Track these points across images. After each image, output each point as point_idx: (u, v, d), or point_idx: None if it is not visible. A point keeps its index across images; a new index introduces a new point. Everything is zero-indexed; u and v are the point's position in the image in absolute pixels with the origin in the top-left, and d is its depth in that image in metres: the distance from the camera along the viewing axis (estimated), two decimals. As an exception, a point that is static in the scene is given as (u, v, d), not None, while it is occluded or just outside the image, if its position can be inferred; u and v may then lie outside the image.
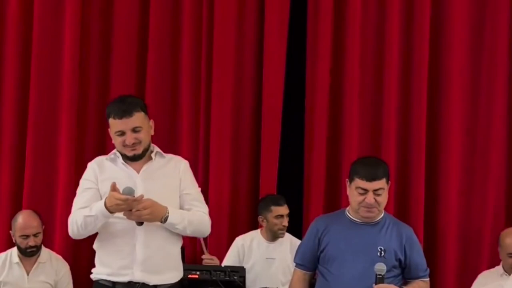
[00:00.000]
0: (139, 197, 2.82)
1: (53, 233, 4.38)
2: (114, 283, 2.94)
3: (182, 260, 3.13)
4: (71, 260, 4.30)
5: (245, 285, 3.69)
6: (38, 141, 4.50)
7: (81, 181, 3.06)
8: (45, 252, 4.15)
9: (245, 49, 4.59)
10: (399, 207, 4.42)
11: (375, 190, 2.99)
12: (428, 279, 3.16)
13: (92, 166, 3.07)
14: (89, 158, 4.43)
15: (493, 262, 4.12)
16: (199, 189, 3.14)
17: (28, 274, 4.06)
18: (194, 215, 3.01)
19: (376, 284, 2.89)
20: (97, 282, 3.00)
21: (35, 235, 4.03)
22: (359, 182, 3.00)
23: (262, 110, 4.54)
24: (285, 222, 4.17)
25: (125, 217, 2.87)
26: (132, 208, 2.81)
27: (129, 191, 2.82)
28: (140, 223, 2.87)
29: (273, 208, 4.20)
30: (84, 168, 4.43)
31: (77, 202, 3.01)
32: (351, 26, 4.49)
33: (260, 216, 4.28)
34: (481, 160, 4.46)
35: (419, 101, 4.46)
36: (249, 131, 4.61)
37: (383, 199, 3.03)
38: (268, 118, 4.52)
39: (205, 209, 3.08)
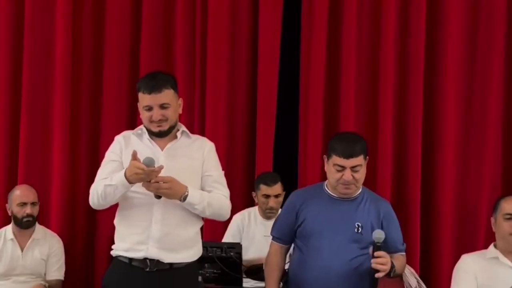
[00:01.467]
0: (159, 167, 2.81)
1: (49, 211, 4.38)
2: (130, 259, 2.94)
3: None
4: (67, 238, 4.31)
5: (242, 261, 3.68)
6: (32, 118, 4.49)
7: (107, 153, 3.07)
8: (40, 229, 4.16)
9: (240, 30, 4.56)
10: (396, 186, 4.43)
11: (352, 167, 2.98)
12: (404, 253, 3.17)
13: (118, 140, 3.07)
14: (83, 136, 4.53)
15: (489, 236, 4.14)
16: (223, 172, 3.12)
17: (22, 251, 4.06)
18: (214, 198, 2.99)
19: (374, 251, 2.89)
20: (116, 258, 3.00)
21: (32, 204, 4.07)
22: (336, 159, 2.99)
23: (257, 89, 4.52)
24: (271, 202, 4.15)
25: (144, 192, 2.87)
26: (151, 179, 2.80)
27: (149, 162, 2.80)
28: (158, 197, 2.85)
29: (262, 186, 4.20)
30: (78, 145, 4.51)
31: (100, 173, 3.01)
32: (347, 10, 4.46)
33: (253, 192, 4.30)
34: (477, 134, 4.45)
35: (416, 75, 4.44)
36: (244, 110, 4.59)
37: (361, 175, 3.02)
38: (263, 96, 4.50)
39: (226, 192, 3.07)
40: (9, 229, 4.11)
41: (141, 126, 3.06)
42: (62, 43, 4.45)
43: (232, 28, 4.54)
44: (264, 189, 4.18)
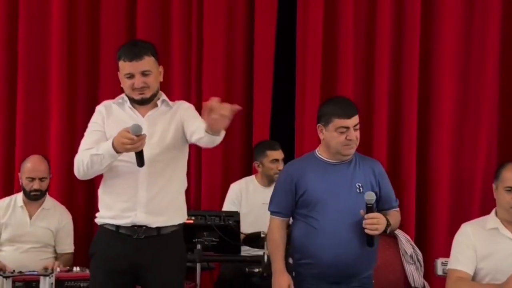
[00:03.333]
0: (143, 135, 2.78)
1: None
2: (117, 226, 2.95)
3: None
4: (66, 207, 4.31)
5: (240, 230, 3.72)
6: (29, 87, 4.50)
7: (89, 124, 3.06)
8: (49, 200, 4.18)
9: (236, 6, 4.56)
10: (392, 152, 4.47)
11: (354, 126, 3.04)
12: (398, 209, 3.22)
13: (100, 110, 3.06)
14: (80, 103, 4.53)
15: (485, 203, 4.19)
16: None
17: (30, 218, 4.08)
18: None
19: (366, 213, 2.94)
20: (102, 226, 3.01)
21: (41, 179, 4.07)
22: (339, 122, 3.02)
23: (254, 59, 4.52)
24: (280, 166, 4.18)
25: (129, 160, 2.86)
26: (138, 149, 2.78)
27: (137, 129, 2.75)
28: (141, 163, 2.83)
29: (269, 152, 4.22)
30: (75, 112, 4.51)
31: (84, 143, 3.00)
32: None
33: (255, 162, 4.31)
34: (473, 99, 4.47)
35: (412, 38, 4.45)
36: (241, 80, 4.60)
37: (358, 133, 3.08)
38: (260, 67, 4.52)
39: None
40: (19, 196, 4.12)
41: (122, 95, 3.04)
42: (58, 20, 4.46)
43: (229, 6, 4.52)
44: (272, 154, 4.22)
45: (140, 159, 2.82)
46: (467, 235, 3.18)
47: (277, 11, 4.53)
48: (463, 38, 4.49)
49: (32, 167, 4.06)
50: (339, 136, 3.03)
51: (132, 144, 2.75)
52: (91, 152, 2.88)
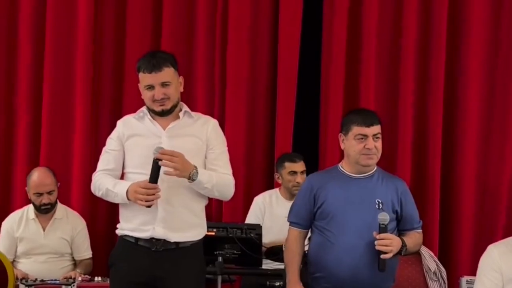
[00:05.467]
0: (167, 150, 2.85)
1: (70, 190, 4.42)
2: (136, 238, 2.96)
3: None
4: (88, 216, 4.34)
5: (262, 243, 3.70)
6: (54, 97, 4.52)
7: (107, 140, 3.09)
8: (61, 208, 4.16)
9: (261, 7, 4.55)
10: (416, 166, 4.43)
11: (374, 135, 3.01)
12: (421, 230, 3.17)
13: (118, 125, 3.09)
14: (105, 116, 4.55)
15: (511, 219, 4.13)
16: (227, 148, 3.10)
17: (44, 230, 4.08)
18: (221, 177, 2.99)
19: (379, 233, 2.91)
20: (122, 237, 3.02)
21: (49, 193, 4.04)
22: (357, 129, 3.01)
23: (278, 70, 4.52)
24: (299, 179, 4.16)
25: (148, 173, 2.87)
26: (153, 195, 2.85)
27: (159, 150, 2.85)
28: (153, 179, 2.85)
29: (287, 164, 4.21)
30: (99, 124, 4.54)
31: (101, 162, 3.06)
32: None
33: (276, 173, 4.30)
34: (499, 112, 4.43)
35: (437, 61, 4.42)
36: (265, 91, 4.59)
37: (380, 145, 3.05)
38: (284, 79, 4.50)
39: (229, 170, 3.06)
40: (31, 209, 4.12)
41: (142, 109, 3.05)
42: (84, 33, 4.48)
43: (253, 9, 4.52)
44: (290, 166, 4.20)
45: (154, 174, 2.84)
46: (493, 257, 3.11)
47: (302, 23, 4.52)
48: (489, 48, 4.44)
49: (39, 182, 4.02)
50: (357, 144, 3.02)
51: (145, 196, 2.83)
52: (108, 187, 2.96)
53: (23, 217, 4.10)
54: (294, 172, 4.20)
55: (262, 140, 4.59)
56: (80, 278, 3.73)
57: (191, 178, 2.88)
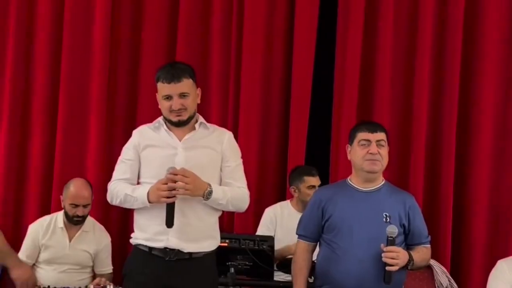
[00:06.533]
0: (179, 170, 2.86)
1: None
2: (150, 248, 2.97)
3: None
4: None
5: (274, 254, 3.69)
6: (69, 106, 4.55)
7: (123, 149, 3.11)
8: (89, 221, 4.13)
9: (275, 18, 4.57)
10: (429, 184, 4.42)
11: (377, 141, 3.05)
12: (429, 245, 3.17)
13: (134, 135, 3.10)
14: (119, 125, 4.58)
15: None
16: (241, 160, 3.12)
17: (70, 241, 4.06)
18: (235, 191, 3.02)
19: (386, 246, 2.91)
20: (136, 246, 3.04)
21: (84, 206, 4.02)
22: (361, 135, 3.07)
23: (291, 84, 4.53)
24: None
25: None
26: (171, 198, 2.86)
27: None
28: (170, 222, 2.88)
29: (306, 178, 4.21)
30: (113, 135, 4.56)
31: (116, 172, 3.08)
32: (384, 8, 4.45)
33: (292, 187, 4.30)
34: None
35: (451, 80, 4.42)
36: (278, 104, 4.60)
37: (385, 152, 3.08)
38: (298, 90, 4.51)
39: (244, 183, 3.09)
40: (60, 216, 4.08)
41: (158, 119, 3.07)
42: (100, 42, 4.52)
43: (268, 22, 4.55)
44: (309, 180, 4.20)
45: (170, 218, 2.87)
46: (502, 271, 3.15)
47: (316, 33, 4.53)
48: (506, 66, 4.43)
49: (76, 194, 3.99)
50: (361, 150, 3.06)
51: (168, 193, 2.83)
52: (127, 192, 2.97)
53: (51, 224, 4.07)
54: (313, 186, 4.20)
55: (275, 152, 4.60)
56: (111, 286, 3.70)
57: (205, 197, 2.91)
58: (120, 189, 3.00)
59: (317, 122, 4.59)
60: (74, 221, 4.04)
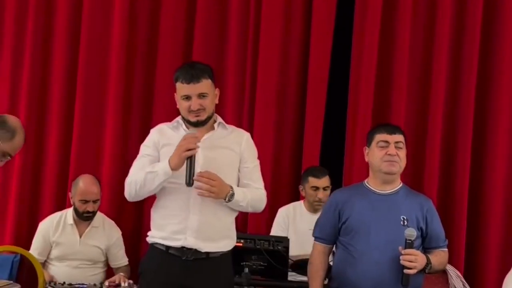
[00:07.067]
0: (205, 173, 2.87)
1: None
2: (167, 247, 2.97)
3: None
4: (115, 223, 4.32)
5: (288, 255, 3.70)
6: (86, 105, 4.57)
7: (141, 147, 3.10)
8: (98, 216, 4.17)
9: (292, 18, 4.56)
10: (444, 184, 4.41)
11: (396, 143, 3.05)
12: (447, 249, 3.16)
13: (153, 134, 3.10)
14: (135, 123, 4.59)
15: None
16: (258, 161, 3.13)
17: (80, 237, 4.10)
18: (254, 193, 3.03)
19: (405, 248, 2.91)
20: (152, 245, 3.03)
21: (94, 202, 4.07)
22: (380, 137, 3.08)
23: (307, 85, 4.53)
24: (320, 194, 4.17)
25: (182, 182, 2.89)
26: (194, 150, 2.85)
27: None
28: (189, 181, 2.87)
29: (310, 179, 4.21)
30: (129, 133, 4.58)
31: (134, 167, 3.05)
32: (402, 10, 4.44)
33: (300, 186, 4.31)
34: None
35: (468, 80, 4.41)
36: (294, 104, 4.60)
37: (403, 154, 3.08)
38: (313, 92, 4.51)
39: (261, 184, 3.10)
40: (69, 213, 4.13)
41: (177, 119, 3.07)
42: (118, 38, 4.54)
43: (285, 23, 4.54)
44: (313, 181, 4.20)
45: (190, 175, 2.86)
46: None
47: (333, 38, 4.53)
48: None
49: (85, 190, 4.04)
50: (379, 151, 3.06)
51: (186, 144, 2.83)
52: (146, 170, 2.93)
53: (61, 221, 4.11)
54: (317, 188, 4.20)
55: (289, 152, 4.59)
56: (126, 283, 3.73)
57: (227, 199, 2.93)
58: (138, 173, 2.96)
59: (332, 123, 4.58)
60: (84, 217, 4.07)
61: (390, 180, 3.10)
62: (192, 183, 2.88)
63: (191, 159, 2.88)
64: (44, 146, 4.60)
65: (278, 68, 4.55)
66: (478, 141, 4.44)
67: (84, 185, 4.06)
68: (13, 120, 2.90)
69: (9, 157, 2.88)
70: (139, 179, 2.93)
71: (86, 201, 4.04)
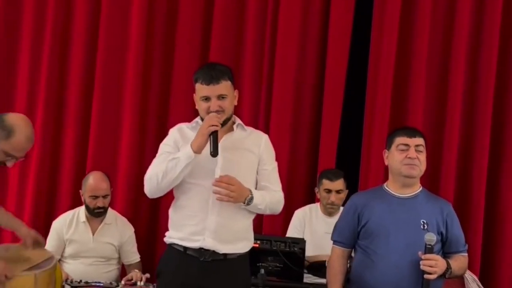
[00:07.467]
0: (224, 177, 2.87)
1: (115, 194, 4.44)
2: (185, 248, 2.97)
3: None
4: (131, 222, 4.35)
5: (305, 257, 3.70)
6: (103, 105, 4.58)
7: (161, 146, 3.08)
8: (111, 213, 4.21)
9: (310, 20, 4.56)
10: (460, 187, 4.40)
11: (416, 146, 3.04)
12: (466, 254, 3.15)
13: (173, 133, 3.09)
14: (152, 121, 4.60)
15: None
16: (276, 163, 3.13)
17: (93, 234, 4.13)
18: (272, 196, 3.03)
19: (425, 253, 2.89)
20: (170, 246, 3.03)
21: (104, 197, 4.09)
22: (400, 140, 3.07)
23: (324, 86, 4.52)
24: (333, 198, 4.16)
25: (201, 184, 2.90)
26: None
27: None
28: (215, 152, 2.85)
29: (324, 181, 4.21)
30: (146, 132, 4.59)
31: (154, 163, 3.03)
32: (420, 9, 4.43)
33: (315, 188, 4.31)
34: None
35: (486, 83, 4.39)
36: (310, 105, 4.60)
37: (423, 158, 3.06)
38: (330, 93, 4.50)
39: (279, 186, 3.10)
40: (82, 211, 4.17)
41: (196, 119, 3.06)
42: (136, 38, 4.55)
43: (302, 23, 4.54)
44: (326, 183, 4.19)
45: (214, 146, 2.85)
46: None
47: (351, 38, 4.52)
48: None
49: (95, 186, 4.07)
50: (399, 154, 3.05)
51: (207, 121, 2.84)
52: (168, 159, 2.91)
53: (73, 219, 4.14)
54: (329, 191, 4.19)
55: (305, 154, 4.59)
56: (143, 281, 3.73)
57: (246, 203, 2.93)
58: (159, 167, 2.94)
59: (349, 126, 4.57)
60: (95, 213, 4.10)
61: (410, 183, 3.09)
62: (217, 154, 2.86)
63: (214, 135, 2.87)
64: (61, 145, 4.63)
65: (295, 69, 4.55)
66: (495, 144, 4.42)
67: (94, 181, 4.09)
68: (12, 119, 2.79)
69: (14, 158, 2.78)
70: (160, 170, 2.91)
71: (96, 197, 4.08)
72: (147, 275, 3.80)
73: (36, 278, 2.81)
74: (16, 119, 2.80)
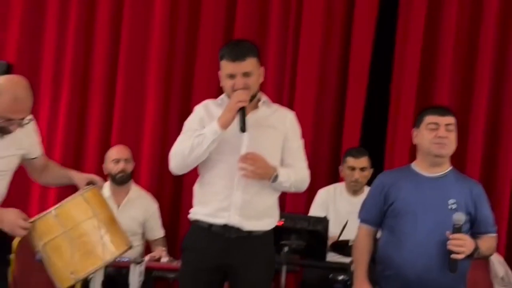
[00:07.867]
0: (249, 154, 2.86)
1: (139, 170, 4.48)
2: (210, 224, 2.96)
3: None
4: (155, 198, 4.38)
5: (327, 236, 3.68)
6: (127, 84, 4.61)
7: (185, 123, 3.06)
8: (135, 188, 4.26)
9: (334, 8, 4.52)
10: (486, 168, 4.36)
11: (446, 125, 2.98)
12: (496, 234, 3.10)
13: (198, 110, 3.06)
14: (175, 99, 4.61)
15: None
16: (302, 141, 3.11)
17: (118, 208, 4.15)
18: (297, 173, 3.00)
19: (452, 233, 2.86)
20: (195, 222, 3.02)
21: (126, 160, 4.18)
22: (430, 118, 3.01)
23: (349, 63, 4.49)
24: (356, 175, 4.14)
25: (227, 160, 2.89)
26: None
27: None
28: (243, 127, 2.84)
29: (348, 159, 4.19)
30: (170, 110, 4.59)
31: (179, 140, 3.00)
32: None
33: (340, 166, 4.29)
34: None
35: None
36: (335, 84, 4.56)
37: (454, 137, 3.01)
38: (355, 72, 4.47)
39: (305, 164, 3.07)
40: (106, 186, 4.17)
41: (222, 96, 3.03)
42: (160, 16, 4.56)
43: (328, 4, 4.50)
44: (350, 161, 4.16)
45: (243, 122, 2.84)
46: None
47: (376, 21, 4.47)
48: None
49: (117, 150, 4.22)
50: (429, 133, 2.99)
51: (235, 96, 2.83)
52: (193, 135, 2.90)
53: None
54: (353, 168, 4.16)
55: (329, 133, 4.57)
56: (166, 259, 3.77)
57: (271, 180, 2.92)
58: (185, 143, 2.92)
59: (374, 104, 4.52)
60: (118, 180, 4.15)
61: (439, 162, 3.05)
62: (245, 130, 2.85)
63: (242, 111, 2.85)
64: (85, 124, 4.66)
65: (320, 45, 4.51)
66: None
67: (115, 147, 4.28)
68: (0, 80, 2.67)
69: (15, 122, 2.63)
70: (186, 146, 2.89)
71: (118, 160, 4.17)
72: (171, 258, 3.82)
73: (85, 198, 2.78)
74: (3, 80, 2.70)
